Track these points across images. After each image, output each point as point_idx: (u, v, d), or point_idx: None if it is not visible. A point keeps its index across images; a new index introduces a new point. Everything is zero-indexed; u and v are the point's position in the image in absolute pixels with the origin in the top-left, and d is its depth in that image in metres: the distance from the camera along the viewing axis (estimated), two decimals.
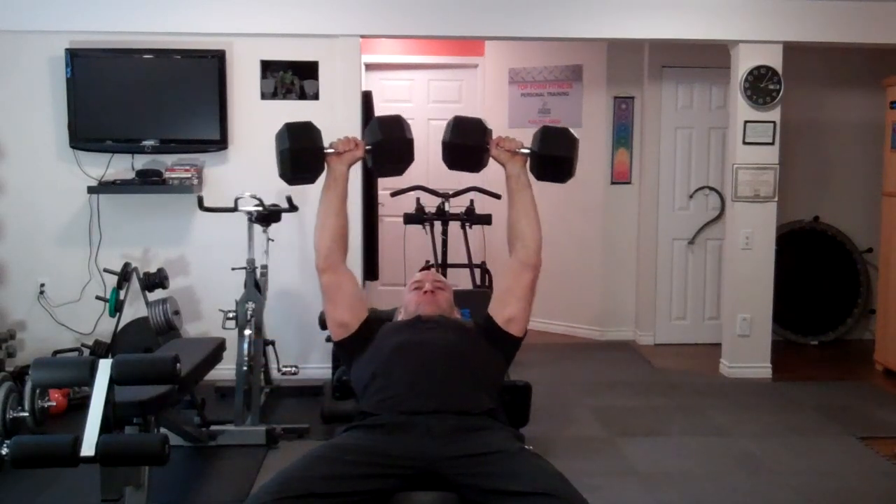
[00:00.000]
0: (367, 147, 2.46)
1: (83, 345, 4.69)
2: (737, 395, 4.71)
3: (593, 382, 4.96)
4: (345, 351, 2.49)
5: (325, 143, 2.46)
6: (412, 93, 6.69)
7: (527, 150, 2.47)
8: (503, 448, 2.12)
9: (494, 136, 2.50)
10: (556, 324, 6.18)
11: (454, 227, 5.13)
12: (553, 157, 2.45)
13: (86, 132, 4.62)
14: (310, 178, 2.49)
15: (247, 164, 4.76)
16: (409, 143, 2.48)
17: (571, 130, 2.50)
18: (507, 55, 6.30)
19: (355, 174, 4.82)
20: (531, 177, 2.50)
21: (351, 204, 4.92)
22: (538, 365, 5.17)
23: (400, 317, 2.74)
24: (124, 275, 4.48)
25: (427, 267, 4.98)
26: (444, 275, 4.75)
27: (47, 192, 4.70)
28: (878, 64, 5.66)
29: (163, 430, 3.19)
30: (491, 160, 2.51)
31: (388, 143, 2.45)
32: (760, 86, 4.87)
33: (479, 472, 2.04)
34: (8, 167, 4.69)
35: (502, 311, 2.46)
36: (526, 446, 2.20)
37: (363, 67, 5.73)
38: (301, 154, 2.40)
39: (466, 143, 2.46)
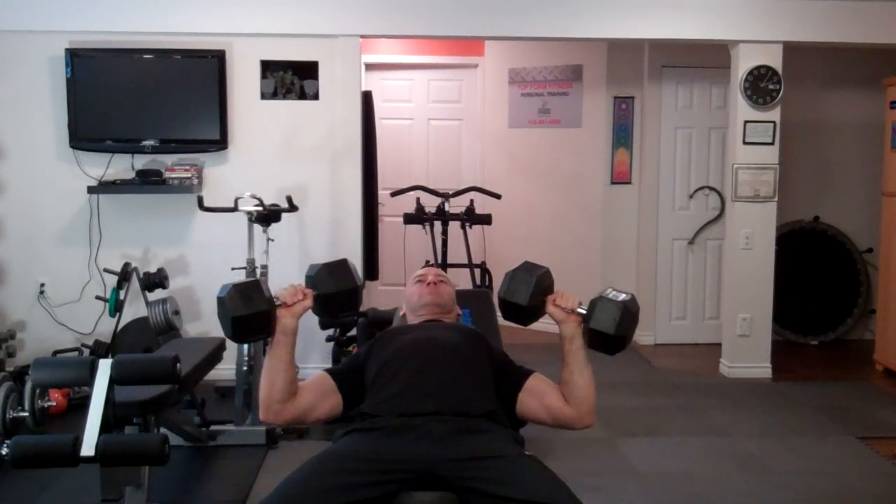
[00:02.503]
0: (316, 294, 2.29)
1: (83, 345, 4.69)
2: (737, 395, 4.71)
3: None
4: (355, 405, 2.36)
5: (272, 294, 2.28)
6: (412, 93, 6.68)
7: (584, 312, 2.30)
8: (504, 453, 2.11)
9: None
10: (555, 325, 6.17)
11: (454, 227, 5.13)
12: (603, 333, 2.25)
13: (86, 132, 4.62)
14: (262, 338, 2.33)
15: (247, 164, 4.76)
16: (358, 292, 2.37)
17: (630, 302, 2.27)
18: (507, 55, 6.30)
19: (355, 175, 4.82)
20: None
21: (351, 204, 4.94)
22: (538, 365, 5.11)
23: (401, 313, 2.74)
24: (124, 275, 4.48)
25: (427, 266, 4.97)
26: None
27: (47, 192, 4.70)
28: (878, 64, 5.66)
29: (163, 430, 3.19)
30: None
31: (341, 296, 2.33)
32: (760, 86, 4.87)
33: (480, 476, 2.03)
34: (8, 167, 4.69)
35: (530, 397, 2.33)
36: (526, 452, 2.19)
37: (363, 67, 5.72)
38: (254, 318, 2.18)
39: (521, 304, 2.32)
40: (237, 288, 2.19)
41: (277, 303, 2.24)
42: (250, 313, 2.17)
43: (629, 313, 2.26)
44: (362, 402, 2.35)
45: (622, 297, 2.27)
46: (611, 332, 2.24)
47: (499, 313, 2.40)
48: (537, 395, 2.34)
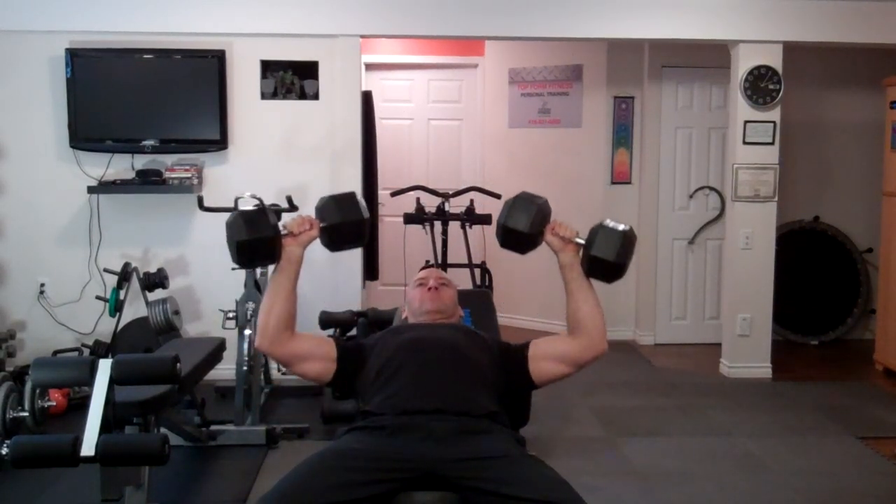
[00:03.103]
0: (323, 226, 2.34)
1: (83, 345, 4.69)
2: (737, 395, 4.71)
3: (593, 382, 4.95)
4: (340, 386, 2.45)
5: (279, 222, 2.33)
6: (412, 93, 6.69)
7: (581, 241, 2.34)
8: (506, 453, 2.11)
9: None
10: (556, 324, 6.17)
11: (454, 227, 5.13)
12: (601, 260, 2.29)
13: (86, 132, 4.62)
14: (267, 265, 2.37)
15: (247, 164, 4.76)
16: (365, 224, 2.39)
17: (630, 231, 2.32)
18: (507, 55, 6.30)
19: (355, 175, 4.82)
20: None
21: None
22: None
23: (403, 314, 2.74)
24: (124, 275, 4.48)
25: (427, 267, 4.97)
26: None
27: (47, 192, 4.70)
28: (878, 64, 5.66)
29: (163, 430, 3.19)
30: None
31: (346, 227, 2.35)
32: (760, 86, 4.87)
33: (482, 477, 2.03)
34: (8, 167, 4.69)
35: (542, 362, 2.37)
36: (530, 453, 2.19)
37: (363, 67, 5.73)
38: (259, 244, 2.26)
39: (521, 231, 2.34)
40: (243, 215, 2.27)
41: (284, 232, 2.30)
42: (254, 238, 2.24)
43: (629, 242, 2.31)
44: (351, 385, 2.39)
45: (622, 226, 2.32)
46: (611, 258, 2.28)
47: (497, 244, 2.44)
48: (544, 357, 2.38)
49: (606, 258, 2.28)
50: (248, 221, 2.25)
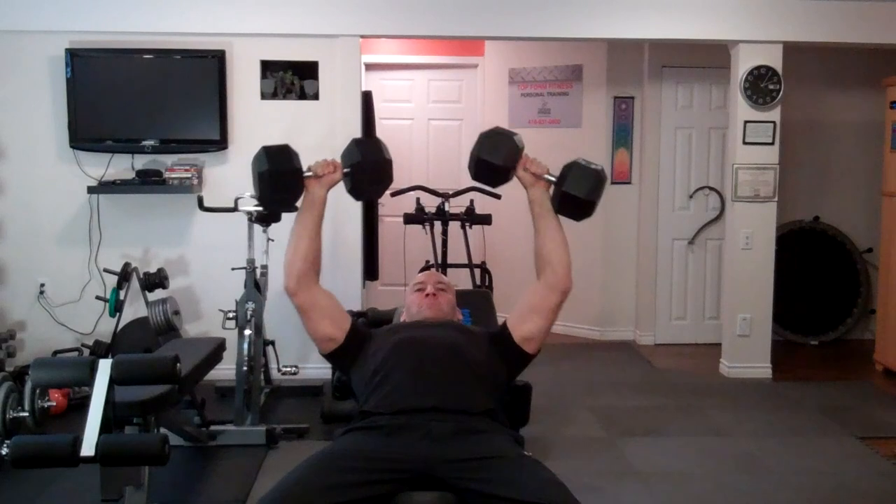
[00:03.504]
0: (346, 170, 2.40)
1: (83, 345, 4.69)
2: (737, 395, 4.71)
3: (593, 382, 4.95)
4: (338, 361, 2.49)
5: (304, 166, 2.39)
6: (412, 93, 6.69)
7: (552, 178, 2.39)
8: (503, 453, 2.11)
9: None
10: (556, 324, 6.15)
11: (454, 227, 5.13)
12: (572, 196, 2.34)
13: (86, 132, 4.62)
14: (288, 202, 2.42)
15: (247, 164, 4.68)
16: (387, 165, 2.42)
17: (601, 170, 2.39)
18: (507, 55, 6.30)
19: None
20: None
21: (351, 204, 4.93)
22: (538, 365, 5.09)
23: (402, 318, 2.74)
24: (124, 275, 4.48)
25: (427, 267, 4.98)
26: (444, 275, 4.75)
27: (47, 192, 4.70)
28: (878, 64, 5.66)
29: (163, 430, 3.19)
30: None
31: (366, 165, 2.39)
32: (760, 86, 4.87)
33: (479, 477, 2.03)
34: (8, 167, 4.69)
35: (521, 326, 2.42)
36: (526, 452, 2.19)
37: (363, 67, 5.72)
38: (280, 177, 2.33)
39: (494, 162, 2.39)
40: (267, 149, 2.35)
41: (308, 174, 2.36)
42: (276, 169, 2.31)
43: (601, 181, 2.37)
44: (347, 367, 2.43)
45: (594, 165, 2.38)
46: (582, 195, 2.34)
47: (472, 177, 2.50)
48: (520, 322, 2.42)
49: (578, 195, 2.33)
50: (272, 155, 2.33)
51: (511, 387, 2.72)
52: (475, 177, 2.47)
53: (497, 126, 2.49)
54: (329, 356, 2.46)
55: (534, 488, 1.98)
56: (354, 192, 2.46)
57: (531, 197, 2.42)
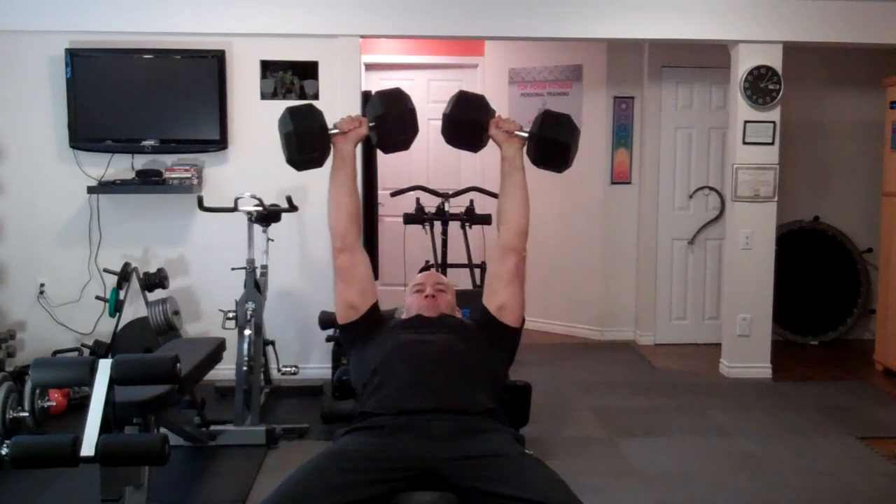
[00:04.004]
0: (371, 124, 2.45)
1: (83, 345, 4.69)
2: (737, 395, 4.71)
3: (593, 382, 4.95)
4: (350, 335, 2.49)
5: (329, 125, 2.44)
6: (412, 93, 6.51)
7: (525, 134, 2.44)
8: (504, 451, 2.11)
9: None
10: (556, 324, 6.18)
11: (454, 227, 5.13)
12: (551, 140, 2.40)
13: (86, 132, 4.62)
14: (317, 160, 2.46)
15: (247, 164, 4.76)
16: (411, 114, 2.47)
17: (573, 119, 2.46)
18: (507, 55, 6.30)
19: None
20: (527, 162, 2.47)
21: None
22: (538, 365, 5.17)
23: (402, 317, 2.74)
24: (124, 275, 4.48)
25: (427, 267, 4.98)
26: (444, 275, 4.75)
27: (47, 192, 4.70)
28: (878, 64, 5.66)
29: (163, 430, 3.19)
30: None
31: (391, 117, 2.43)
32: (760, 86, 4.87)
33: (480, 476, 2.03)
34: (8, 167, 4.69)
35: (492, 298, 2.46)
36: (527, 451, 2.19)
37: (363, 67, 5.72)
38: (306, 135, 2.38)
39: (467, 118, 2.45)
40: (290, 109, 2.41)
41: (334, 130, 2.42)
42: (300, 130, 2.37)
43: (572, 124, 2.43)
44: (354, 344, 2.46)
45: (562, 114, 2.45)
46: (559, 138, 2.39)
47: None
48: (492, 294, 2.46)
49: (554, 137, 2.39)
50: (296, 115, 2.39)
51: (511, 386, 2.72)
52: (449, 140, 2.53)
53: (461, 90, 2.55)
54: (344, 327, 2.49)
55: (535, 486, 1.98)
56: (381, 144, 2.50)
57: (504, 154, 2.48)
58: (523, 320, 2.50)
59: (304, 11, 4.68)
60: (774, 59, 4.88)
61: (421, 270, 4.71)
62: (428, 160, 6.68)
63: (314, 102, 4.77)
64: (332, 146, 2.45)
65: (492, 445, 2.13)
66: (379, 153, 5.43)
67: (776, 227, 5.08)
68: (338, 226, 2.43)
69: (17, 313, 4.76)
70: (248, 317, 4.01)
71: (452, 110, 2.47)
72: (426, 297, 2.61)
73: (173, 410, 3.58)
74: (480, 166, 6.51)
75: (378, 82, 6.46)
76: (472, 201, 5.20)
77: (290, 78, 4.82)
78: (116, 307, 4.47)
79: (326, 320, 4.23)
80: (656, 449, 3.86)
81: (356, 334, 2.47)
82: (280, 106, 4.71)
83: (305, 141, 2.39)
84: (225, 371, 4.30)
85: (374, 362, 2.36)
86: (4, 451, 2.13)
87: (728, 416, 4.32)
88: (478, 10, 4.76)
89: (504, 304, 2.44)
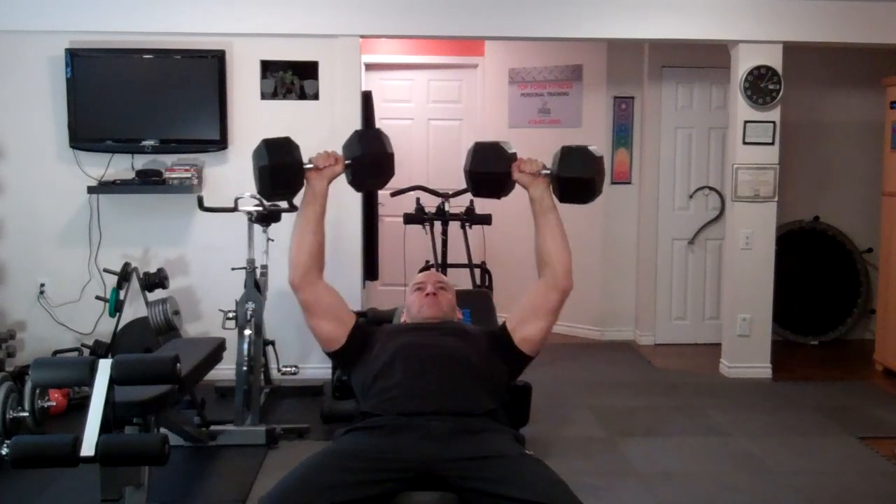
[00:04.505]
0: (347, 162, 2.39)
1: (83, 345, 4.69)
2: (737, 395, 4.71)
3: (593, 382, 4.95)
4: (340, 361, 2.48)
5: (304, 159, 2.39)
6: (412, 93, 6.69)
7: (548, 172, 2.38)
8: (504, 452, 2.11)
9: (509, 148, 2.42)
10: (556, 324, 6.17)
11: (454, 227, 5.13)
12: (571, 179, 2.33)
13: (86, 132, 4.62)
14: (289, 195, 2.43)
15: (247, 164, 4.68)
16: (389, 158, 2.41)
17: (594, 148, 2.39)
18: (507, 55, 6.30)
19: None
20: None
21: (351, 203, 4.93)
22: (538, 365, 5.08)
23: (403, 318, 2.74)
24: (124, 275, 4.48)
25: (427, 267, 4.98)
26: (444, 275, 4.75)
27: (47, 192, 4.70)
28: (878, 64, 5.66)
29: (163, 430, 3.19)
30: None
31: (368, 160, 2.38)
32: (760, 86, 4.87)
33: (480, 476, 2.03)
34: (8, 167, 4.69)
35: (521, 327, 2.41)
36: (527, 451, 2.19)
37: (363, 67, 5.72)
38: (281, 170, 2.32)
39: (487, 171, 2.38)
40: (267, 142, 2.34)
41: (309, 166, 2.36)
42: (276, 164, 2.30)
43: (593, 157, 2.35)
44: (350, 367, 2.42)
45: (582, 146, 2.38)
46: (580, 175, 2.33)
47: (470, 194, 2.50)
48: (520, 323, 2.41)
49: (575, 175, 2.32)
50: (273, 148, 2.33)
51: (511, 387, 2.72)
52: (475, 192, 2.45)
53: (478, 141, 2.49)
54: (331, 355, 2.46)
55: (536, 487, 1.98)
56: (355, 184, 2.46)
57: (532, 195, 2.40)
58: (539, 352, 2.46)
59: (304, 11, 4.68)
60: (774, 59, 4.88)
61: (421, 270, 4.71)
62: (428, 160, 6.68)
63: (314, 102, 4.85)
64: (305, 181, 2.39)
65: (492, 446, 2.13)
66: None
67: (776, 227, 5.08)
68: (298, 262, 2.35)
69: (17, 313, 4.76)
70: (248, 317, 4.01)
71: (472, 165, 2.40)
72: (427, 294, 2.60)
73: (173, 410, 3.58)
74: None
75: (378, 82, 6.47)
76: (472, 201, 5.19)
77: (290, 78, 4.82)
78: (116, 307, 4.47)
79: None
80: (656, 449, 3.86)
81: (345, 358, 2.44)
82: (280, 106, 4.80)
83: (280, 176, 2.33)
84: (225, 371, 4.30)
85: (376, 367, 2.36)
86: (4, 451, 2.13)
87: (728, 416, 4.32)
88: (478, 10, 4.76)
89: (531, 337, 2.40)
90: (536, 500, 1.93)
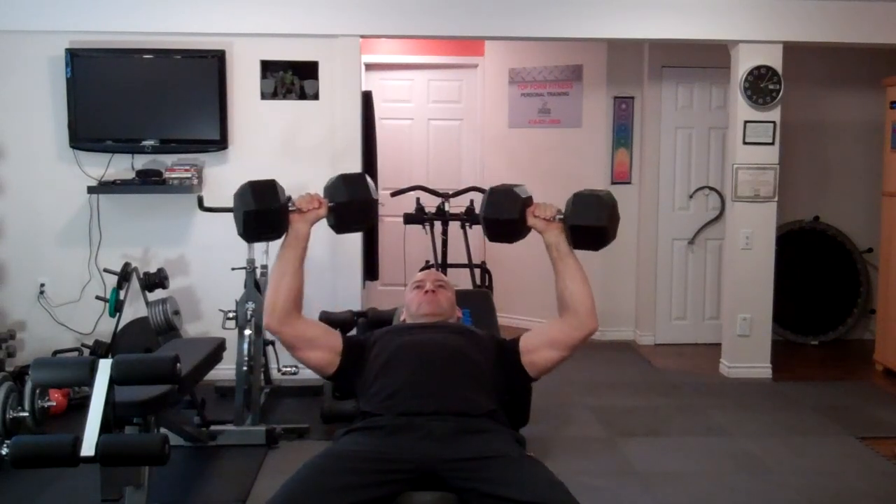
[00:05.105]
0: (331, 205, 2.35)
1: (83, 345, 4.69)
2: (737, 395, 4.71)
3: (593, 382, 4.95)
4: (340, 381, 2.46)
5: (287, 195, 2.35)
6: (412, 93, 6.69)
7: (562, 217, 2.35)
8: (504, 453, 2.11)
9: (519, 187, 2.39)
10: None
11: (454, 227, 5.13)
12: (582, 227, 2.29)
13: (86, 132, 4.62)
14: (272, 238, 2.39)
15: (247, 164, 4.76)
16: (373, 204, 2.38)
17: (606, 194, 2.34)
18: (507, 55, 6.30)
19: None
20: None
21: None
22: None
23: (402, 317, 2.74)
24: (124, 275, 4.48)
25: (427, 267, 4.98)
26: (444, 275, 4.75)
27: (47, 192, 4.70)
28: (878, 64, 5.66)
29: (163, 430, 3.19)
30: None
31: (354, 206, 2.35)
32: (760, 86, 4.87)
33: (479, 477, 2.03)
34: (8, 167, 4.69)
35: (534, 353, 2.38)
36: (527, 452, 2.19)
37: (363, 67, 5.72)
38: (267, 215, 2.27)
39: (501, 218, 2.35)
40: (252, 185, 2.28)
41: (293, 208, 2.31)
42: (262, 209, 2.25)
43: (605, 203, 2.32)
44: (352, 381, 2.39)
45: (597, 192, 2.35)
46: (591, 223, 2.29)
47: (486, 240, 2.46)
48: (535, 348, 2.39)
49: (587, 224, 2.29)
50: (257, 192, 2.27)
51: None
52: (490, 237, 2.43)
53: (500, 184, 2.44)
54: (331, 378, 2.43)
55: (533, 488, 1.98)
56: (337, 228, 2.41)
57: (547, 241, 2.37)
58: (539, 378, 2.45)
59: (304, 11, 4.68)
60: (774, 59, 4.87)
61: (421, 270, 4.71)
62: (428, 160, 6.68)
63: (314, 102, 4.84)
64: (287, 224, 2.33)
65: (491, 446, 2.13)
66: (380, 152, 5.45)
67: (776, 227, 5.08)
68: (276, 307, 2.29)
69: (17, 313, 4.76)
70: (248, 317, 4.01)
71: (486, 212, 2.37)
72: (426, 292, 2.60)
73: (173, 410, 3.58)
74: (480, 166, 6.52)
75: (378, 82, 6.47)
76: (472, 201, 5.19)
77: (290, 78, 4.82)
78: (116, 307, 4.47)
79: (326, 320, 4.21)
80: (656, 449, 3.86)
81: (345, 377, 2.42)
82: (280, 106, 4.80)
83: (266, 220, 2.28)
84: (225, 371, 4.30)
85: (376, 367, 2.36)
86: (4, 451, 2.13)
87: (728, 416, 4.32)
88: (478, 10, 4.76)
89: (539, 363, 2.39)
90: (534, 501, 1.93)
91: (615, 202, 2.35)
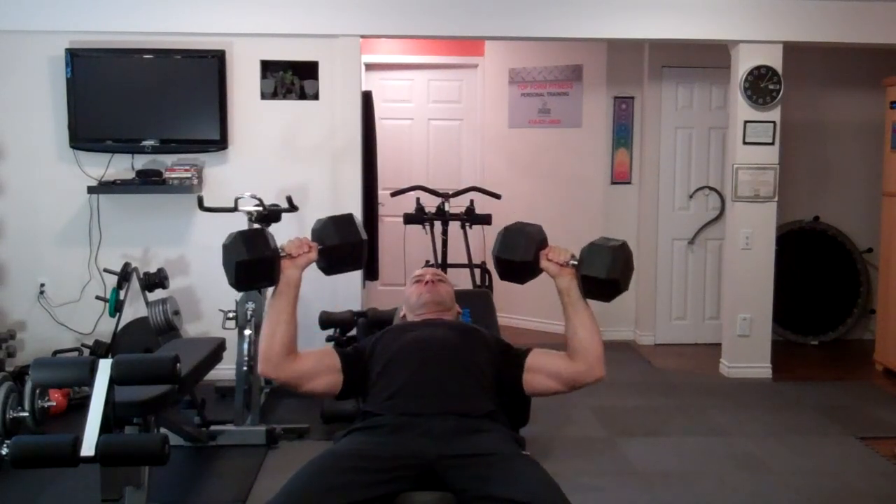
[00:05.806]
0: (321, 248, 2.33)
1: (83, 345, 4.69)
2: (737, 395, 4.71)
3: None
4: (350, 395, 2.44)
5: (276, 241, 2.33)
6: (412, 93, 6.69)
7: (576, 263, 2.32)
8: (499, 451, 2.12)
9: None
10: (556, 324, 6.17)
11: (454, 227, 5.13)
12: (593, 278, 2.25)
13: (86, 132, 4.62)
14: (264, 286, 2.38)
15: (247, 164, 4.76)
16: (363, 246, 2.37)
17: (617, 245, 2.28)
18: (507, 55, 6.30)
19: (355, 175, 4.81)
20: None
21: (351, 204, 4.93)
22: None
23: (401, 314, 2.74)
24: (124, 275, 4.48)
25: (427, 266, 4.97)
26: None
27: (47, 192, 4.70)
28: (878, 64, 5.66)
29: (163, 430, 3.19)
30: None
31: (345, 249, 2.34)
32: (760, 86, 4.87)
33: (474, 475, 2.04)
34: (8, 167, 4.69)
35: (536, 376, 2.36)
36: (524, 452, 2.20)
37: (363, 67, 5.72)
38: (259, 264, 2.24)
39: (514, 259, 2.34)
40: (242, 234, 2.24)
41: (282, 254, 2.29)
42: (254, 258, 2.21)
43: (620, 257, 2.26)
44: (361, 391, 2.38)
45: (612, 242, 2.29)
46: (602, 276, 2.25)
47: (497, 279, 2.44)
48: (540, 370, 2.37)
49: (598, 276, 2.25)
50: (248, 241, 2.23)
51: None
52: (502, 276, 2.42)
53: (517, 221, 2.42)
54: (340, 397, 2.42)
55: (525, 487, 1.98)
56: (327, 270, 2.39)
57: (559, 286, 2.34)
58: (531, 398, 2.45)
59: (304, 11, 4.68)
60: (774, 59, 4.88)
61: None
62: (428, 160, 6.68)
63: (314, 102, 4.84)
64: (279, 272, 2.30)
65: (489, 445, 2.14)
66: (380, 152, 5.45)
67: (776, 227, 5.08)
68: (271, 355, 2.26)
69: (17, 313, 4.76)
70: (248, 317, 4.01)
71: (499, 252, 2.36)
72: (426, 283, 2.61)
73: (173, 410, 3.58)
74: (480, 166, 6.52)
75: (378, 82, 6.47)
76: (472, 201, 5.20)
77: (291, 78, 4.82)
78: (116, 307, 4.47)
79: (326, 320, 4.23)
80: (656, 449, 3.86)
81: (353, 390, 2.41)
82: (280, 106, 4.80)
83: (258, 270, 2.25)
84: (225, 371, 4.30)
85: (379, 366, 2.37)
86: (4, 451, 2.13)
87: (728, 416, 4.32)
88: (478, 10, 4.76)
89: (538, 387, 2.38)
90: (525, 501, 1.93)
91: (630, 254, 2.30)
